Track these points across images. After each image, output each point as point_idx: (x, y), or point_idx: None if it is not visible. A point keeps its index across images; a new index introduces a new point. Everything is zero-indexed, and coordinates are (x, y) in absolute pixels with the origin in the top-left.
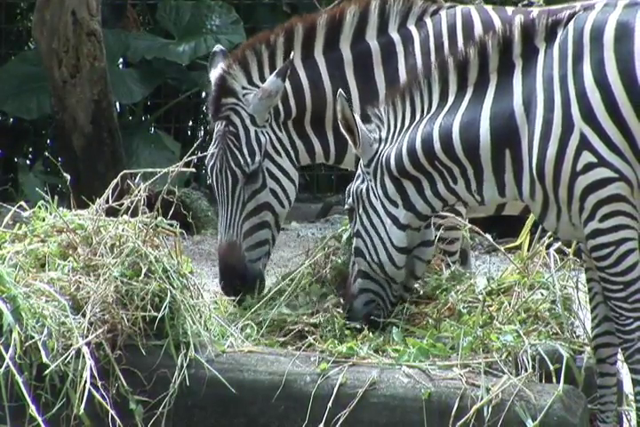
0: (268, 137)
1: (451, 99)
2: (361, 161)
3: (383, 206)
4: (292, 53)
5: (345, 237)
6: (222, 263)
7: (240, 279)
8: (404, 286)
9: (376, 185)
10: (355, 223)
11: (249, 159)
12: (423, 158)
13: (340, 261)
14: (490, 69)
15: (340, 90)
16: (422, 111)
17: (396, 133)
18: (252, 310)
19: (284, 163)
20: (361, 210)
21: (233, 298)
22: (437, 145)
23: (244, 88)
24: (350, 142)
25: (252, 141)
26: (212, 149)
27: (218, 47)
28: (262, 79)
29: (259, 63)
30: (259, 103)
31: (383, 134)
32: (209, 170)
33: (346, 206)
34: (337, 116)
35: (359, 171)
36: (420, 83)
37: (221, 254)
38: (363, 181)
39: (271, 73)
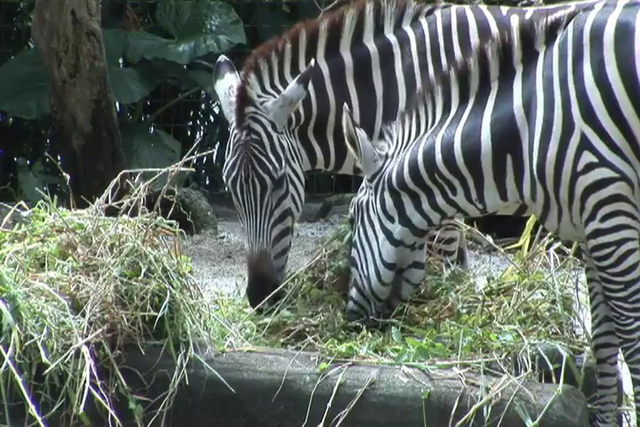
0: (287, 142)
1: (453, 111)
2: (365, 175)
3: (379, 221)
4: (313, 60)
5: (346, 237)
6: (256, 274)
7: (271, 289)
8: (388, 304)
9: (375, 200)
10: (354, 232)
11: (277, 165)
12: (424, 171)
13: (340, 264)
14: (491, 78)
15: (345, 105)
16: (426, 125)
17: (402, 149)
18: (251, 312)
19: (297, 168)
20: (359, 222)
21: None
22: (439, 156)
23: (259, 96)
24: (354, 156)
25: (277, 147)
26: (231, 159)
27: (222, 58)
28: (273, 86)
29: (270, 71)
30: (280, 111)
31: (390, 151)
32: (231, 180)
33: (348, 216)
34: (339, 123)
35: (364, 183)
36: (424, 97)
37: (254, 264)
38: (365, 194)
39: (280, 80)
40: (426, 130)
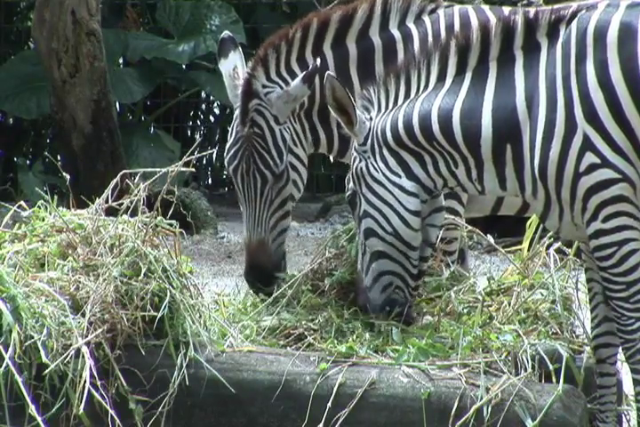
0: (288, 132)
1: (449, 80)
2: (355, 143)
3: (386, 177)
4: (318, 60)
5: (354, 250)
6: (251, 262)
7: (267, 278)
8: (421, 257)
9: (376, 159)
10: (360, 206)
11: (278, 160)
12: (421, 136)
13: (340, 274)
14: (490, 57)
15: (328, 71)
16: (418, 90)
17: (389, 110)
18: (252, 314)
19: (300, 152)
20: (364, 188)
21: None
22: (436, 126)
23: (264, 86)
24: (344, 124)
25: (279, 141)
26: (232, 149)
27: (226, 33)
28: (279, 74)
29: (277, 60)
30: (283, 106)
31: (373, 114)
32: (232, 170)
33: (347, 193)
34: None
35: (354, 154)
36: (420, 62)
37: (251, 252)
38: (360, 161)
39: (286, 69)
40: (417, 94)
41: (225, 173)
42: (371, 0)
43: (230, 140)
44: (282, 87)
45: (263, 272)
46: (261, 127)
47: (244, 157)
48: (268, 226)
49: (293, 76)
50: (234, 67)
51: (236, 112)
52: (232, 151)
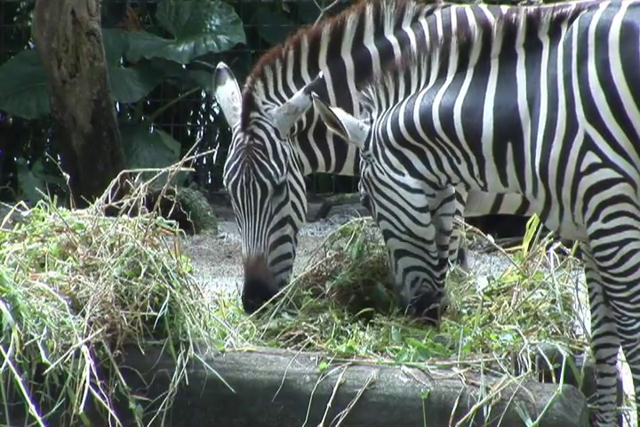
0: (289, 148)
1: (449, 77)
2: (360, 150)
3: (391, 178)
4: (321, 73)
5: (354, 251)
6: (250, 278)
7: (266, 295)
8: (439, 246)
9: (379, 161)
10: (374, 209)
11: (278, 170)
12: (422, 132)
13: (341, 277)
14: (492, 55)
15: (313, 92)
16: (418, 87)
17: (389, 108)
18: (252, 314)
19: (299, 176)
20: (374, 192)
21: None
22: (437, 123)
23: (263, 103)
24: (342, 136)
25: (279, 153)
26: (232, 164)
27: (221, 64)
28: (277, 94)
29: (274, 78)
30: (284, 118)
31: (374, 115)
32: (231, 184)
33: (361, 199)
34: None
35: (362, 160)
36: (420, 58)
37: (250, 268)
38: (367, 166)
39: (283, 88)
40: (417, 90)
41: None
42: (359, 9)
43: (229, 158)
44: (279, 106)
45: (262, 290)
46: (262, 139)
47: (244, 169)
48: (267, 243)
49: (291, 95)
50: (232, 92)
51: (235, 131)
52: (231, 166)
